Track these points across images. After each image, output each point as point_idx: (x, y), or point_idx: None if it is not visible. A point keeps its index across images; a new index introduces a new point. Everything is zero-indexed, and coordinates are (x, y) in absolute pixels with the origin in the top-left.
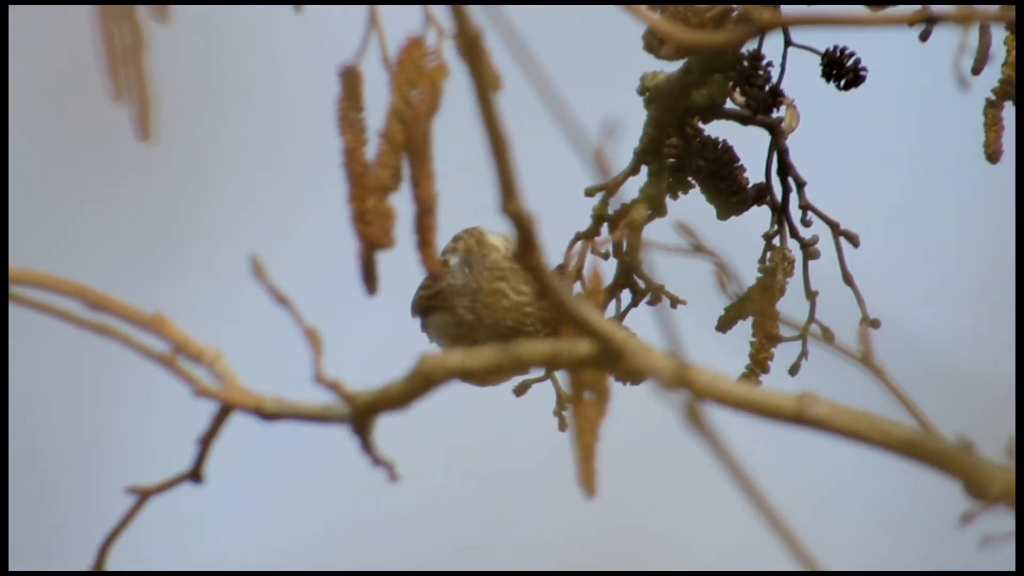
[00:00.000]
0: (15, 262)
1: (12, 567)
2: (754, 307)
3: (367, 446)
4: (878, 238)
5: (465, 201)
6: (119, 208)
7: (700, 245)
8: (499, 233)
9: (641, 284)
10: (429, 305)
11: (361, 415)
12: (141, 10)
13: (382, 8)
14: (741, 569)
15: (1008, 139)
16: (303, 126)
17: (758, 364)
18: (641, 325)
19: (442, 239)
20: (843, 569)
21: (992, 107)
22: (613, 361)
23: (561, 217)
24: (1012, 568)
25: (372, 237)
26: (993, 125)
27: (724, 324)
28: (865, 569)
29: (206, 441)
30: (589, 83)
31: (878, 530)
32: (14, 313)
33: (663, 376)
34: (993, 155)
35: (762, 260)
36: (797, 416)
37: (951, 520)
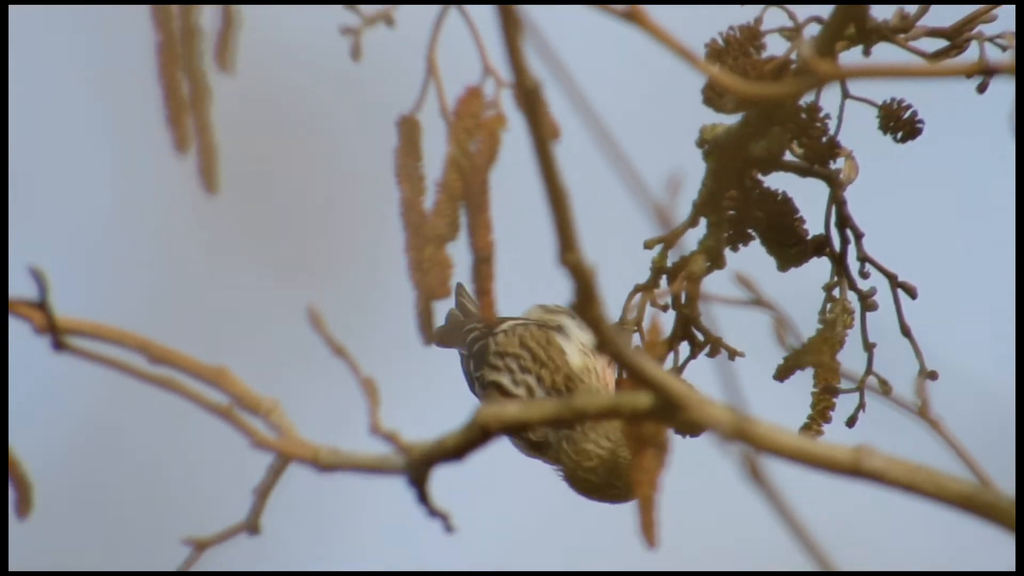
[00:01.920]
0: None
1: None
2: (814, 358)
3: (423, 497)
4: (936, 290)
5: (524, 252)
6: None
7: (759, 297)
8: (579, 346)
9: (700, 336)
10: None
11: (417, 466)
12: (205, 60)
13: (440, 58)
14: None
15: None
16: (361, 175)
17: (820, 415)
18: (700, 377)
19: (501, 291)
20: None
21: None
22: (673, 413)
23: (620, 269)
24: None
25: (429, 287)
26: None
27: (782, 373)
28: None
29: (263, 492)
30: (648, 135)
31: None
32: (72, 359)
33: (722, 428)
34: None
35: (822, 311)
36: (854, 469)
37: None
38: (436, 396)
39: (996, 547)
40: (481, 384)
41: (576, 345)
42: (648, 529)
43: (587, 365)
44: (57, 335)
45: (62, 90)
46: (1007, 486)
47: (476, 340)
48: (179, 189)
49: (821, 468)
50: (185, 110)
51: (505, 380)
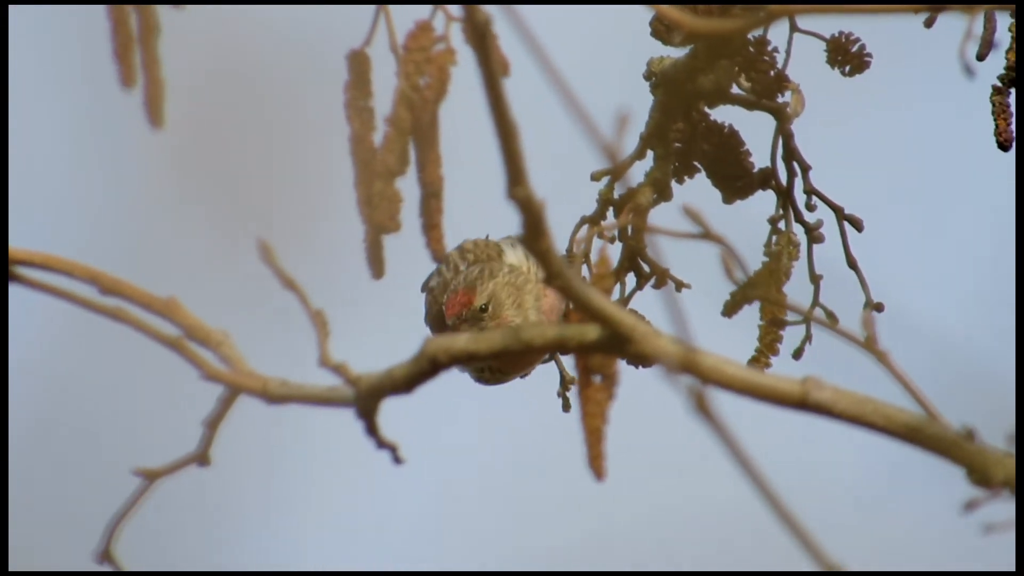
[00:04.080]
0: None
1: (17, 558)
2: (760, 291)
3: (372, 429)
4: (882, 223)
5: (473, 186)
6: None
7: (707, 230)
8: (524, 252)
9: (646, 268)
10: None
11: (365, 398)
12: None
13: None
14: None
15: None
16: (312, 110)
17: (767, 347)
18: (646, 308)
19: (449, 224)
20: (847, 566)
21: (998, 94)
22: (621, 346)
23: (567, 201)
24: (1012, 568)
25: (378, 221)
26: (1001, 112)
27: (730, 309)
28: (870, 569)
29: (213, 424)
30: (596, 68)
31: (881, 515)
32: (22, 292)
33: (669, 360)
34: (1005, 142)
35: (768, 244)
36: (801, 401)
37: (955, 506)
38: (387, 331)
39: (940, 478)
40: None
41: (521, 251)
42: (596, 461)
43: (521, 266)
44: (8, 266)
45: (30, 43)
46: (953, 418)
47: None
48: (133, 129)
49: (769, 400)
50: (133, 45)
51: (434, 281)
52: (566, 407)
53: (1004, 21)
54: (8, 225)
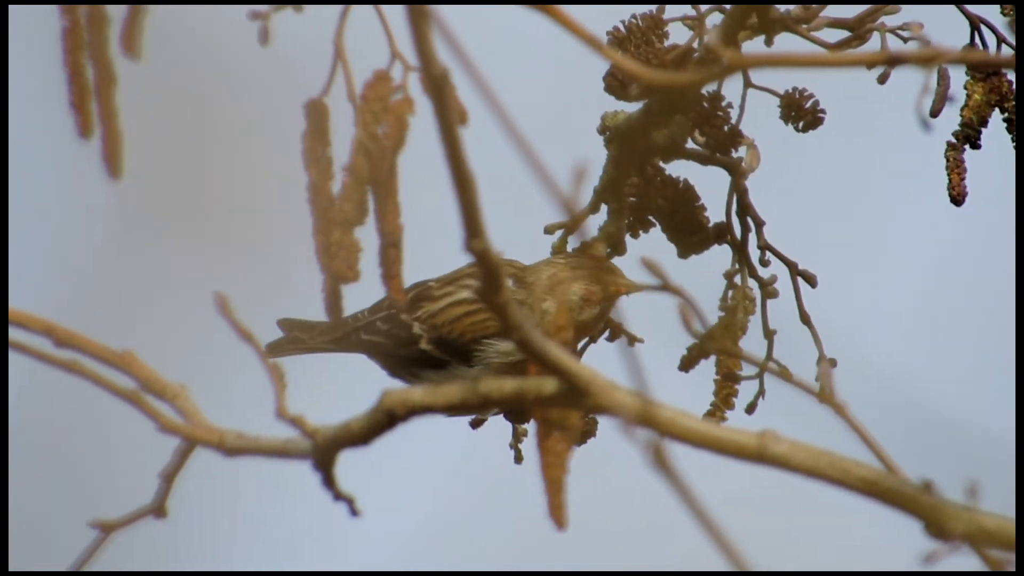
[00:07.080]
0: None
1: None
2: (716, 345)
3: (329, 481)
4: (837, 277)
5: (433, 237)
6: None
7: (665, 282)
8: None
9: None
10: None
11: (322, 450)
12: (112, 45)
13: (348, 43)
14: None
15: (971, 181)
16: (268, 159)
17: (723, 401)
18: (605, 361)
19: (409, 274)
20: None
21: (953, 150)
22: (579, 398)
23: (523, 253)
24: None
25: (337, 270)
26: (956, 168)
27: (687, 363)
28: None
29: (170, 477)
30: (552, 121)
31: (839, 567)
32: None
33: (627, 413)
34: (958, 197)
35: (723, 298)
36: (759, 454)
37: (914, 560)
38: (344, 382)
39: (898, 532)
40: (435, 323)
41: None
42: (557, 511)
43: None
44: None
45: None
46: (911, 471)
47: (382, 318)
48: (87, 175)
49: (727, 453)
50: (90, 96)
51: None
52: (518, 459)
53: (958, 77)
54: None
